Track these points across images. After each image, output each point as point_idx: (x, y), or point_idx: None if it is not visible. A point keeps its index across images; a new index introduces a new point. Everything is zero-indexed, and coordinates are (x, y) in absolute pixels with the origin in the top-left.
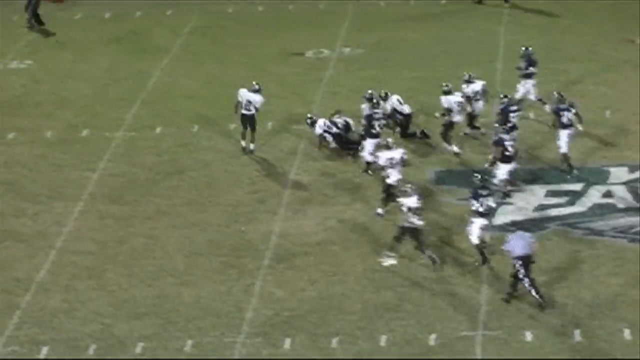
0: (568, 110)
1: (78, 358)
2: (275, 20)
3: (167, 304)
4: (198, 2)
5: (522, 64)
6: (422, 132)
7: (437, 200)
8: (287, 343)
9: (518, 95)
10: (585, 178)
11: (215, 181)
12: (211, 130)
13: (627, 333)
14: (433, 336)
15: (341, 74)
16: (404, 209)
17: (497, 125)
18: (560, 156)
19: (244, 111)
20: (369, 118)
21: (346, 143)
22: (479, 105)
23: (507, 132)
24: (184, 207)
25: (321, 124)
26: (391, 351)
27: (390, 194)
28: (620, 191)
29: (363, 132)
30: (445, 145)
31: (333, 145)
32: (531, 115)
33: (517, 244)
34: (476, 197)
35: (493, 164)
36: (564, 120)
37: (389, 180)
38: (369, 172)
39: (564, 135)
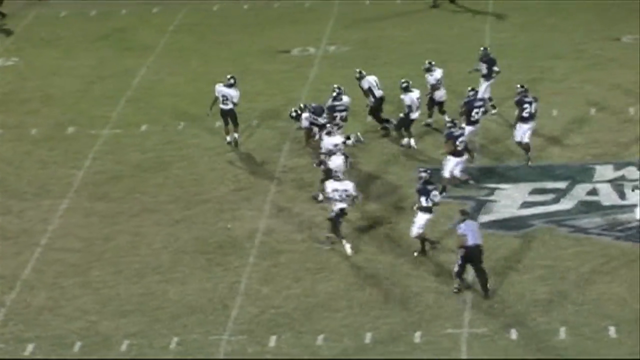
0: (530, 104)
1: (63, 357)
2: (260, 18)
3: (152, 301)
4: (184, 1)
5: (481, 65)
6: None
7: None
8: (273, 341)
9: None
10: (570, 176)
11: (201, 178)
12: (197, 128)
13: (612, 331)
14: (418, 334)
15: (327, 72)
16: (335, 193)
17: (447, 120)
18: (523, 146)
19: (222, 106)
20: (332, 109)
21: None
22: (441, 92)
23: (455, 125)
24: (169, 204)
25: (307, 116)
26: (376, 349)
27: (328, 179)
28: (606, 189)
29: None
30: (402, 138)
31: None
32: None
33: (469, 233)
34: (423, 192)
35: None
36: (525, 114)
37: (330, 165)
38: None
39: (523, 127)
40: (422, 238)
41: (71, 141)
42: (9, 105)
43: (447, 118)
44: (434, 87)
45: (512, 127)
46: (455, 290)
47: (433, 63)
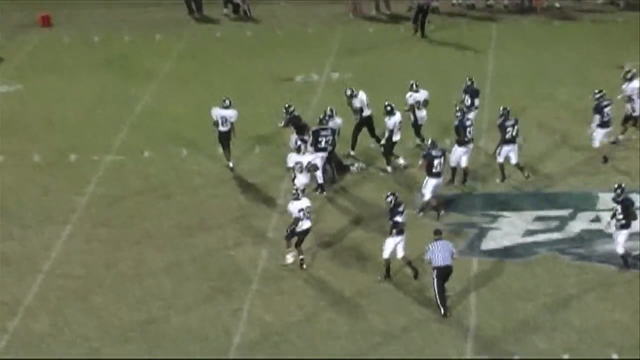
0: (513, 126)
1: None
2: (264, 45)
3: (154, 328)
4: (187, 27)
5: (465, 97)
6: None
7: (424, 224)
8: None
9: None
10: (573, 203)
11: (204, 205)
12: (199, 155)
13: (615, 357)
14: None
15: (330, 99)
16: (301, 213)
17: (420, 141)
18: (499, 166)
19: (221, 128)
20: (316, 134)
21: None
22: (423, 113)
23: (435, 146)
24: (172, 231)
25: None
26: None
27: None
28: (609, 217)
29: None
30: (388, 165)
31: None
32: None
33: (438, 254)
34: (394, 214)
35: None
36: (508, 135)
37: (296, 183)
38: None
39: (505, 149)
40: (388, 264)
41: (74, 167)
42: (12, 131)
43: (418, 141)
44: (416, 108)
45: (496, 150)
46: (445, 315)
47: (418, 84)
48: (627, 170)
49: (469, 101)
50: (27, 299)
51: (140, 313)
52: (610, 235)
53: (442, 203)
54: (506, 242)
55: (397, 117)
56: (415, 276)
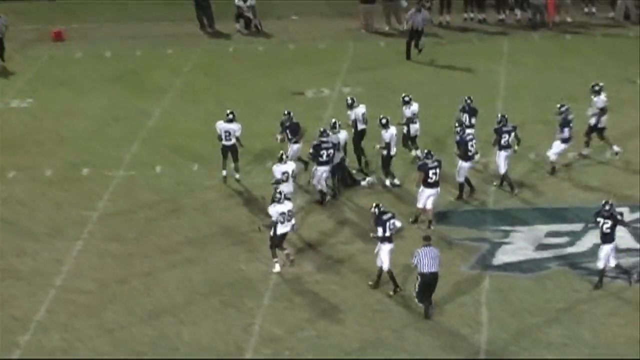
0: (509, 133)
1: None
2: (275, 60)
3: (166, 343)
4: (199, 42)
5: (464, 116)
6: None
7: (437, 239)
8: None
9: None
10: (585, 218)
11: (215, 220)
12: (211, 169)
13: None
14: None
15: (341, 114)
16: (281, 216)
17: (417, 152)
18: (500, 176)
19: (224, 142)
20: (317, 147)
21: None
22: (416, 126)
23: (430, 156)
24: (183, 245)
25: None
26: None
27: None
28: (621, 232)
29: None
30: (385, 179)
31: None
32: (532, 155)
33: (424, 260)
34: (379, 223)
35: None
36: (504, 142)
37: (276, 196)
38: (323, 201)
39: (502, 156)
40: (379, 272)
41: (85, 182)
42: (24, 146)
43: (418, 153)
44: (410, 121)
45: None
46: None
47: (411, 97)
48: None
49: (468, 121)
50: (38, 313)
51: (151, 328)
52: (622, 251)
53: (434, 215)
54: (518, 257)
55: (393, 130)
56: (396, 290)
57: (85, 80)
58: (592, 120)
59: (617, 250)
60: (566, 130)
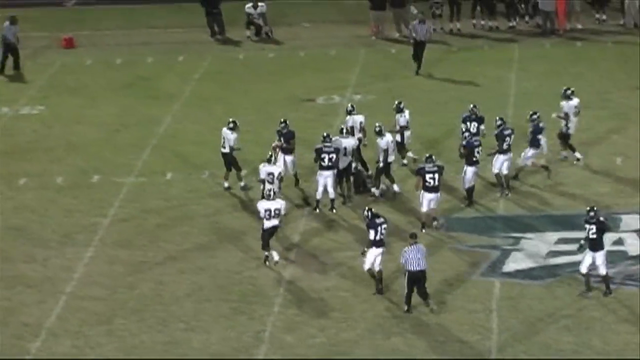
0: (510, 136)
1: None
2: (286, 67)
3: (176, 349)
4: (209, 49)
5: (471, 124)
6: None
7: (447, 247)
8: None
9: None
10: None
11: (225, 227)
12: (221, 176)
13: None
14: None
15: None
16: (267, 213)
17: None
18: (495, 177)
19: (221, 149)
20: (318, 151)
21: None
22: (408, 133)
23: (432, 160)
24: (193, 252)
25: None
26: None
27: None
28: (632, 239)
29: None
30: (374, 188)
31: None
32: (541, 161)
33: (411, 259)
34: (371, 226)
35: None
36: (505, 146)
37: (266, 192)
38: (332, 208)
39: (501, 159)
40: (372, 274)
41: (96, 189)
42: (34, 153)
43: (410, 154)
44: (404, 128)
45: (489, 155)
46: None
47: (403, 104)
48: None
49: (475, 129)
50: (49, 320)
51: (161, 335)
52: (632, 258)
53: (431, 219)
54: (528, 264)
55: (388, 137)
56: (380, 291)
57: (96, 87)
58: (563, 125)
59: (628, 257)
60: (539, 137)
